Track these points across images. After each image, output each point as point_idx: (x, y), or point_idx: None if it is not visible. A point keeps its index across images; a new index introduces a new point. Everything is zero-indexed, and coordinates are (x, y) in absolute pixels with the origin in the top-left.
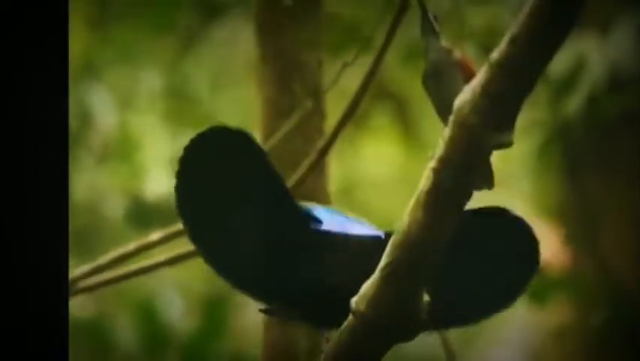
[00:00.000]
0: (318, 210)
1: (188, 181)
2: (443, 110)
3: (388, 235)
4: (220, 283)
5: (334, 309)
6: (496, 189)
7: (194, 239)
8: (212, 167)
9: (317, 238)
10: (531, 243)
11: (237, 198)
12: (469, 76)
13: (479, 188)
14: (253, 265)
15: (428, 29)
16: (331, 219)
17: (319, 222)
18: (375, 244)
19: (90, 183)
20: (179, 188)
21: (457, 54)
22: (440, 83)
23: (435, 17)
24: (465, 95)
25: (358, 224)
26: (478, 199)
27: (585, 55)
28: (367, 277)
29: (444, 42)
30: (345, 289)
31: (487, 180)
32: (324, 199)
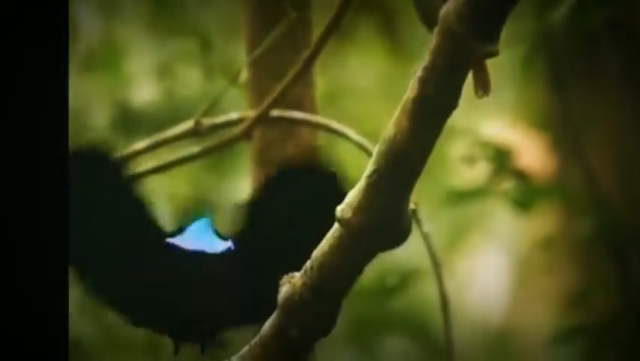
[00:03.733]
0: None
1: None
2: (425, 17)
3: (238, 244)
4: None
5: (207, 329)
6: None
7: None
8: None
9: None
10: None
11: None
12: None
13: (479, 96)
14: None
15: None
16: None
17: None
18: (223, 259)
19: (75, 92)
20: None
21: None
22: None
23: None
24: (450, 4)
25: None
26: (463, 107)
27: None
28: (219, 292)
29: None
30: (206, 309)
31: (484, 87)
32: (310, 108)
